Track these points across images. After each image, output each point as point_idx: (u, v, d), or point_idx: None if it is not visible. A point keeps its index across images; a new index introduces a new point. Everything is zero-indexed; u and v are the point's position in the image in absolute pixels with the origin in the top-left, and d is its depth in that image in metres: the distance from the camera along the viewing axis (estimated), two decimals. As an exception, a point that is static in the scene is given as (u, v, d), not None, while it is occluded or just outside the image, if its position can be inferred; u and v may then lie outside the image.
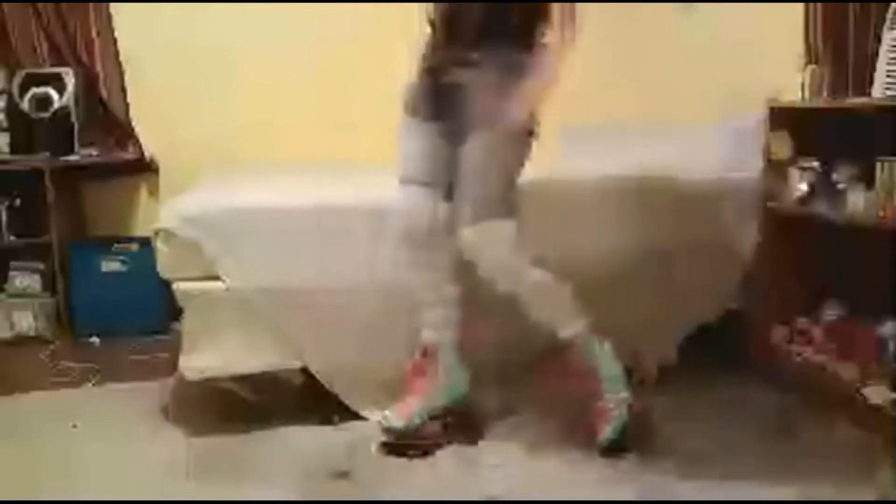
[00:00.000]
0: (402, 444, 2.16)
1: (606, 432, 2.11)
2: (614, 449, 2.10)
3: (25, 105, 3.35)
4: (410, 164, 2.17)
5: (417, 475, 2.06)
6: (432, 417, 2.21)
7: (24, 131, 3.36)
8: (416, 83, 2.20)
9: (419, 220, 2.15)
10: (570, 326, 2.14)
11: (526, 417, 2.34)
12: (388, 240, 2.23)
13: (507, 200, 2.06)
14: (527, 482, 2.01)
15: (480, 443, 2.22)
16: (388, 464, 2.11)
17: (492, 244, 2.05)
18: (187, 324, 2.32)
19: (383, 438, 2.17)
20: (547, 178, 2.46)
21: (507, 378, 2.44)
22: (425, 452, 2.16)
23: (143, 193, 3.73)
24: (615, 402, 2.14)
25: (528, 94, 2.01)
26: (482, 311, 2.25)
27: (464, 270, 2.16)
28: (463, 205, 2.07)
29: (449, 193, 2.14)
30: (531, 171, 2.38)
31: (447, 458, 2.14)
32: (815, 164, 2.49)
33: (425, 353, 2.20)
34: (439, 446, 2.18)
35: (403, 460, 2.13)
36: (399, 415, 2.16)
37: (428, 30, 2.18)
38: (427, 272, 2.19)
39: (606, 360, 2.16)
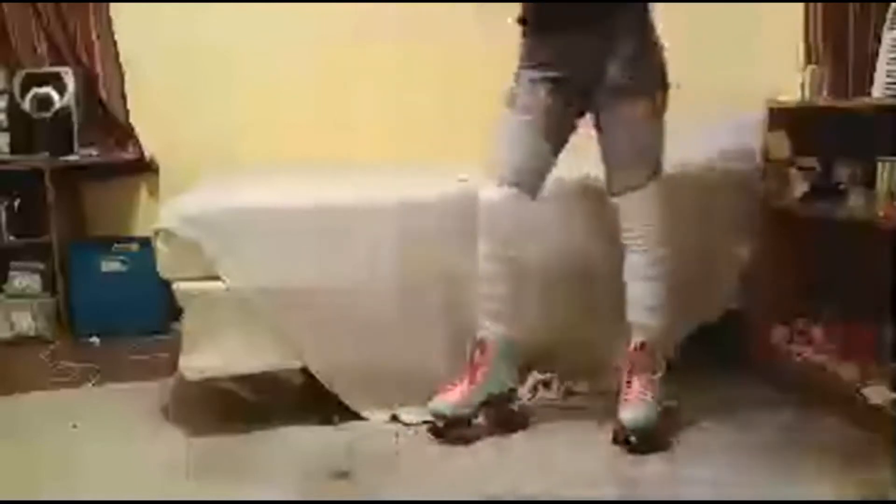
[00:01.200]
0: (447, 430, 2.20)
1: (631, 416, 2.13)
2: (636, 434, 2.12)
3: (26, 105, 3.35)
4: (507, 163, 2.19)
5: (417, 475, 2.06)
6: (477, 408, 2.23)
7: (25, 131, 3.36)
8: (519, 75, 2.22)
9: (506, 218, 2.18)
10: (650, 314, 2.20)
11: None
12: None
13: (660, 162, 2.18)
14: (525, 481, 2.01)
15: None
16: (388, 464, 2.11)
17: (651, 207, 2.17)
18: (187, 324, 2.33)
19: (432, 422, 2.22)
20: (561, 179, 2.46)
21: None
22: (467, 441, 2.19)
23: (143, 193, 3.73)
24: (651, 396, 2.17)
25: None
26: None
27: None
28: (623, 166, 2.17)
29: (536, 191, 2.21)
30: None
31: (461, 456, 2.15)
32: (815, 163, 2.49)
33: (482, 342, 2.21)
34: (479, 436, 2.21)
35: (403, 460, 2.13)
36: (448, 401, 2.18)
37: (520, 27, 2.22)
38: (497, 265, 2.20)
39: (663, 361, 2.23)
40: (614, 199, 2.22)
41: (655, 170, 2.19)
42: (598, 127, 2.21)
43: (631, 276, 2.24)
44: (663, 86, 2.19)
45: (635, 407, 2.14)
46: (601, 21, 2.12)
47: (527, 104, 2.19)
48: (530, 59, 2.21)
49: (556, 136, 2.21)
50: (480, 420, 2.26)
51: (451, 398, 2.19)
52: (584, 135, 2.25)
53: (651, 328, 2.23)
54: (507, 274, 2.20)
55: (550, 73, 2.16)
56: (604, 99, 2.16)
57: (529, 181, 2.19)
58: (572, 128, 2.25)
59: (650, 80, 2.17)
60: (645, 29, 2.18)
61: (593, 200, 2.45)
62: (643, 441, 2.12)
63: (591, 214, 2.47)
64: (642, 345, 2.22)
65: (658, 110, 2.17)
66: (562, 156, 2.27)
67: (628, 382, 2.20)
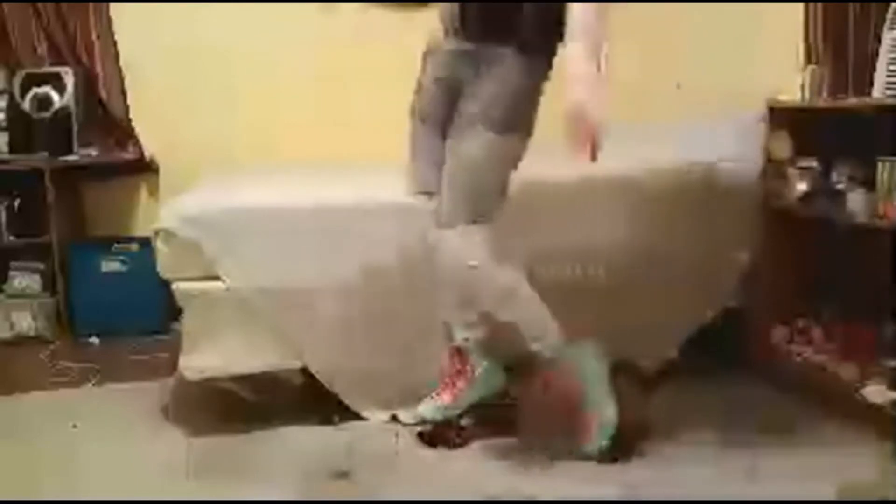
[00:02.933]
0: (435, 437, 2.20)
1: (592, 443, 2.09)
2: (604, 457, 2.08)
3: (26, 105, 3.35)
4: (420, 173, 2.17)
5: (417, 475, 2.06)
6: (466, 412, 2.22)
7: (24, 131, 3.36)
8: (426, 87, 2.16)
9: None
10: (541, 339, 2.10)
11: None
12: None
13: (488, 204, 2.03)
14: (525, 481, 2.01)
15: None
16: (388, 464, 2.11)
17: (460, 250, 2.02)
18: (187, 324, 2.33)
19: (420, 429, 2.21)
20: (546, 179, 2.46)
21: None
22: (456, 445, 2.19)
23: (143, 193, 3.73)
24: (599, 411, 2.10)
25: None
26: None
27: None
28: (445, 199, 2.04)
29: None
30: (531, 172, 2.38)
31: (461, 456, 2.16)
32: (815, 164, 2.49)
33: (458, 351, 2.21)
34: (469, 441, 2.21)
35: (403, 460, 2.13)
36: (435, 407, 2.18)
37: (440, 32, 2.13)
38: (459, 273, 2.17)
39: (588, 367, 2.11)
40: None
41: (478, 209, 2.02)
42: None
43: None
44: (507, 129, 1.99)
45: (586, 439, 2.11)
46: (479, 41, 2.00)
47: (428, 110, 2.14)
48: (434, 65, 2.14)
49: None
50: (472, 425, 2.25)
51: (438, 402, 2.19)
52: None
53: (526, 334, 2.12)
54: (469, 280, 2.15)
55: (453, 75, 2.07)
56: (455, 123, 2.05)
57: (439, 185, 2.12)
58: None
59: (498, 112, 1.98)
60: (512, 59, 1.97)
61: (590, 199, 2.46)
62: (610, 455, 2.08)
63: (588, 214, 2.47)
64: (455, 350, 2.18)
65: (500, 146, 2.00)
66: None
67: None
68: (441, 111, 2.10)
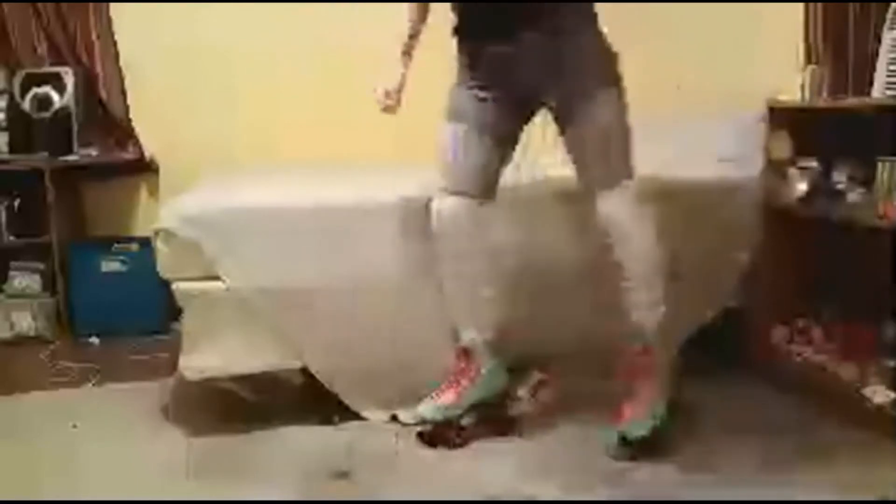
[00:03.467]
0: (436, 437, 2.20)
1: (633, 427, 2.10)
2: (636, 445, 2.09)
3: (26, 105, 3.35)
4: (452, 171, 2.18)
5: (417, 475, 2.06)
6: (466, 412, 2.22)
7: (24, 131, 3.36)
8: (459, 86, 2.19)
9: (461, 229, 2.16)
10: (648, 312, 2.14)
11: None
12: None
13: (629, 160, 2.12)
14: (525, 481, 2.01)
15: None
16: (388, 464, 2.11)
17: (624, 208, 2.10)
18: (187, 324, 2.32)
19: (420, 429, 2.21)
20: (546, 179, 2.46)
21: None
22: (456, 445, 2.19)
23: (143, 193, 3.73)
24: (658, 400, 2.13)
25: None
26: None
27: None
28: (591, 170, 2.11)
29: (487, 197, 2.18)
30: (530, 173, 2.39)
31: (461, 456, 2.16)
32: (815, 164, 2.49)
33: (465, 352, 2.21)
34: (469, 441, 2.21)
35: (403, 460, 2.13)
36: (436, 407, 2.18)
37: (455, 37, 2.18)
38: (466, 276, 2.19)
39: (665, 359, 2.18)
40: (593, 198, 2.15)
41: (627, 167, 2.12)
42: (560, 130, 2.14)
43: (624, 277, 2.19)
44: (617, 81, 2.11)
45: (637, 415, 2.11)
46: (533, 31, 2.03)
47: (464, 112, 2.17)
48: (465, 78, 2.18)
49: (502, 139, 2.18)
50: (473, 425, 2.25)
51: (439, 402, 2.19)
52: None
53: (644, 327, 2.17)
54: (479, 280, 2.19)
55: (485, 94, 2.13)
56: (560, 104, 2.10)
57: (475, 187, 2.16)
58: (521, 128, 2.22)
59: (602, 77, 2.09)
60: (584, 29, 2.09)
61: (574, 200, 2.45)
62: (644, 450, 2.09)
63: (574, 214, 2.47)
64: (643, 349, 2.17)
65: (617, 105, 2.10)
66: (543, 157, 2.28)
67: (630, 388, 2.16)
68: (484, 116, 2.14)
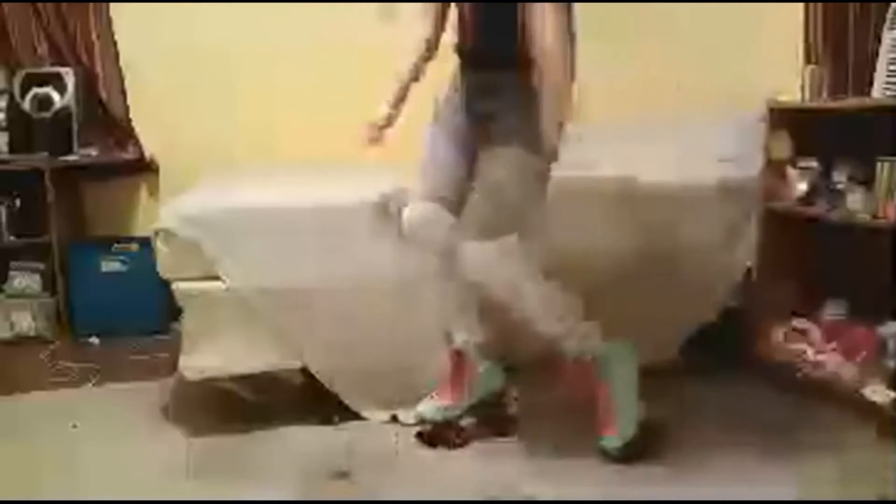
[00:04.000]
0: (435, 437, 2.20)
1: (610, 439, 2.10)
2: (621, 456, 2.08)
3: (27, 105, 3.35)
4: (432, 178, 2.18)
5: (417, 475, 2.06)
6: (466, 412, 2.23)
7: (24, 131, 3.36)
8: (449, 97, 2.20)
9: (436, 232, 2.15)
10: (575, 338, 2.10)
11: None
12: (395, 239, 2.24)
13: (513, 218, 2.05)
14: (525, 481, 2.01)
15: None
16: (388, 464, 2.11)
17: (492, 263, 2.04)
18: (187, 324, 2.33)
19: (419, 429, 2.21)
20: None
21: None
22: (456, 445, 2.19)
23: (143, 193, 3.73)
24: (623, 410, 2.10)
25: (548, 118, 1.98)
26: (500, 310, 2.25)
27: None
28: (470, 221, 2.06)
29: (457, 207, 2.15)
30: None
31: (461, 456, 2.16)
32: (815, 164, 2.49)
33: (458, 354, 2.20)
34: (469, 441, 2.21)
35: (403, 460, 2.13)
36: (435, 407, 2.17)
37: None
38: (453, 279, 2.19)
39: (617, 366, 2.11)
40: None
41: (498, 231, 2.04)
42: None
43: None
44: (532, 149, 2.01)
45: (608, 429, 2.11)
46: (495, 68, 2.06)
47: (449, 123, 2.18)
48: (456, 87, 2.20)
49: (469, 152, 2.16)
50: (472, 425, 2.26)
51: (438, 402, 2.20)
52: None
53: (576, 352, 2.13)
54: (467, 283, 2.16)
55: (469, 107, 2.14)
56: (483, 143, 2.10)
57: (449, 197, 2.15)
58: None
59: (522, 137, 2.01)
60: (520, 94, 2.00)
61: (590, 200, 2.46)
62: (632, 454, 2.08)
63: (587, 214, 2.47)
64: (580, 364, 2.14)
65: (525, 170, 2.03)
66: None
67: (594, 406, 2.14)
68: (457, 128, 2.16)
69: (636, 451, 2.08)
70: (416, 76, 2.27)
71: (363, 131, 2.27)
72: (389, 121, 2.26)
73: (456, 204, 2.14)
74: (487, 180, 2.05)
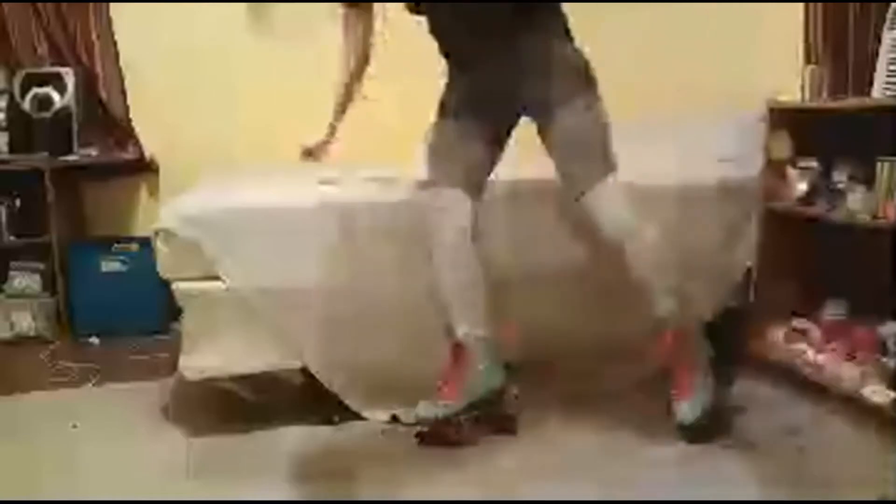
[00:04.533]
0: (434, 436, 2.19)
1: (686, 411, 2.16)
2: (695, 429, 2.15)
3: (26, 105, 3.35)
4: (445, 166, 2.19)
5: (417, 475, 2.06)
6: (465, 411, 2.21)
7: (25, 131, 3.36)
8: (450, 85, 2.24)
9: (457, 220, 2.17)
10: (668, 298, 2.18)
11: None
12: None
13: (609, 157, 2.14)
14: (525, 481, 2.01)
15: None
16: (389, 463, 2.11)
17: (612, 203, 2.12)
18: (187, 324, 2.32)
19: (418, 429, 2.20)
20: (544, 179, 2.45)
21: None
22: (456, 444, 2.19)
23: (143, 193, 3.73)
24: (701, 380, 2.18)
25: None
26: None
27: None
28: (572, 171, 2.13)
29: (478, 194, 2.19)
30: (529, 173, 2.39)
31: (461, 455, 2.15)
32: (815, 164, 2.49)
33: (459, 348, 2.20)
34: (470, 440, 2.21)
35: (403, 460, 2.13)
36: (433, 406, 2.17)
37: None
38: (461, 271, 2.19)
39: (701, 342, 2.23)
40: (579, 202, 2.17)
41: (608, 163, 2.15)
42: (541, 136, 2.19)
43: (631, 268, 2.21)
44: (588, 83, 2.15)
45: (685, 400, 2.18)
46: (501, 52, 2.11)
47: (454, 110, 2.23)
48: (452, 77, 2.25)
49: (488, 140, 2.22)
50: (472, 423, 2.25)
51: (437, 401, 2.19)
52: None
53: (670, 313, 2.20)
54: (474, 276, 2.19)
55: (470, 104, 2.19)
56: (536, 112, 2.16)
57: (468, 184, 2.19)
58: (506, 130, 2.27)
59: (572, 83, 2.13)
60: (548, 42, 2.13)
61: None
62: (702, 433, 2.15)
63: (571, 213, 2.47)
64: (673, 334, 2.20)
65: (591, 106, 2.14)
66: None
67: (673, 376, 2.22)
68: (471, 116, 2.19)
69: (710, 427, 2.16)
70: (350, 97, 2.34)
71: (302, 152, 2.33)
72: (329, 134, 2.32)
73: (474, 192, 2.19)
74: (571, 132, 2.11)
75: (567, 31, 2.18)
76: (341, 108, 2.33)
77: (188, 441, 2.27)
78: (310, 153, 2.33)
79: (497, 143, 2.25)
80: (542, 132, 2.17)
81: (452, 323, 2.19)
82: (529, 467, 2.08)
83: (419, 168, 2.28)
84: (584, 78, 2.15)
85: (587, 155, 2.13)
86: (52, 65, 3.46)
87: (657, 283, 2.19)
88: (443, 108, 2.27)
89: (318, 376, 2.35)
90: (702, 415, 2.16)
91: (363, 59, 2.31)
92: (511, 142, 2.30)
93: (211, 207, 2.35)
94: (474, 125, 2.20)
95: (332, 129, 2.33)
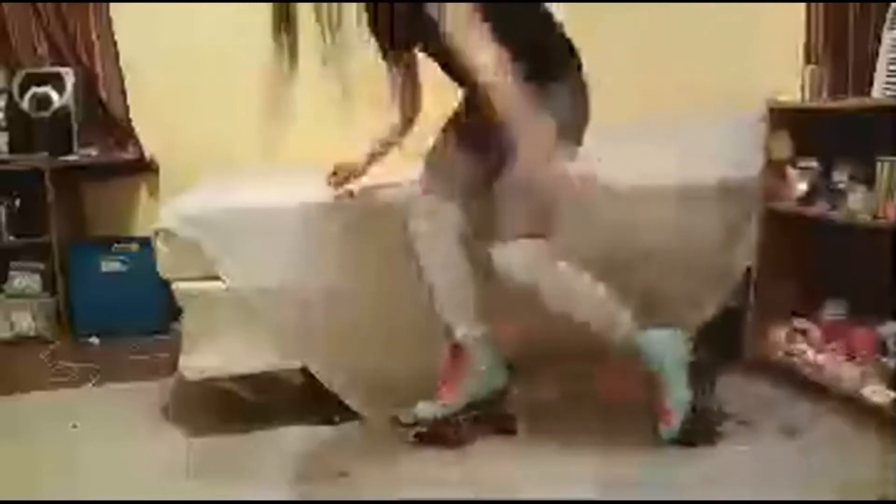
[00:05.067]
0: (433, 436, 2.19)
1: (672, 427, 2.13)
2: (682, 441, 2.13)
3: (26, 105, 3.35)
4: (442, 178, 2.19)
5: (417, 475, 2.06)
6: (465, 411, 2.21)
7: (24, 131, 3.36)
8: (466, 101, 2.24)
9: (445, 221, 2.16)
10: (618, 329, 2.13)
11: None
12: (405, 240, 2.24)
13: (539, 216, 2.06)
14: (524, 481, 2.01)
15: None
16: (389, 463, 2.11)
17: (521, 264, 2.04)
18: (187, 324, 2.32)
19: (417, 429, 2.20)
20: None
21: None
22: (455, 445, 2.18)
23: (143, 193, 3.73)
24: (676, 402, 2.13)
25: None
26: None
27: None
28: (499, 223, 2.07)
29: (471, 199, 2.18)
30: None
31: (459, 455, 2.15)
32: (815, 164, 2.49)
33: (457, 349, 2.20)
34: (470, 440, 2.20)
35: (403, 460, 2.13)
36: (433, 406, 2.17)
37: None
38: (453, 271, 2.19)
39: (667, 353, 2.14)
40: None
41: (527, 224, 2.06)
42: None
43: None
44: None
45: (664, 422, 2.15)
46: None
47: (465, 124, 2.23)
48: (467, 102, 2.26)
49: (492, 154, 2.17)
50: (471, 424, 2.25)
51: (437, 401, 2.19)
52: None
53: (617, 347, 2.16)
54: (465, 277, 2.18)
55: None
56: None
57: (462, 196, 2.18)
58: None
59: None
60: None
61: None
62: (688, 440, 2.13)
63: (586, 214, 2.47)
64: (622, 364, 2.19)
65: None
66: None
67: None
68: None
69: (694, 434, 2.12)
70: (387, 151, 2.37)
71: (332, 175, 2.38)
72: (358, 173, 2.36)
73: (469, 198, 2.18)
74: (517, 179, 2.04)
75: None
76: (373, 160, 2.39)
77: (188, 441, 2.27)
78: (350, 194, 2.38)
79: (501, 155, 2.22)
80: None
81: (450, 324, 2.19)
82: (529, 467, 2.08)
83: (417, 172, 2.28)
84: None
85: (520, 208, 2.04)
86: (52, 65, 3.46)
87: (603, 327, 2.12)
88: (453, 119, 2.26)
89: (318, 376, 2.35)
90: (681, 431, 2.11)
91: (410, 116, 2.34)
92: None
93: (211, 207, 2.35)
94: (480, 139, 2.17)
95: (363, 172, 2.38)
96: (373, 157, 2.38)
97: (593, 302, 2.12)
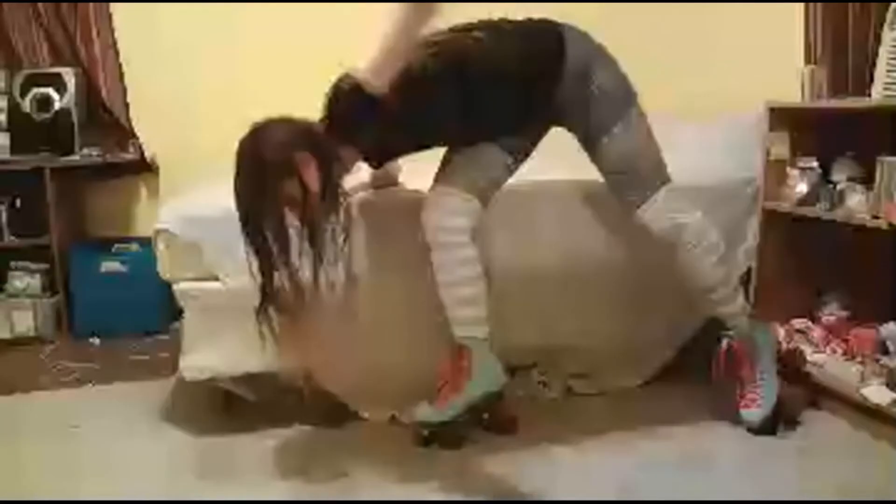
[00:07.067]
0: (434, 436, 2.19)
1: (755, 413, 2.22)
2: (762, 428, 2.22)
3: (27, 105, 3.35)
4: (462, 175, 2.17)
5: (417, 475, 2.06)
6: (468, 411, 2.21)
7: (25, 131, 3.36)
8: None
9: (462, 219, 2.14)
10: (735, 301, 2.25)
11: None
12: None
13: (658, 170, 2.17)
14: (525, 481, 2.01)
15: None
16: (389, 463, 2.11)
17: (660, 215, 2.15)
18: (187, 324, 2.32)
19: (420, 431, 2.20)
20: (544, 182, 2.46)
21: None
22: (457, 445, 2.19)
23: (143, 193, 3.74)
24: (766, 392, 2.24)
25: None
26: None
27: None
28: (625, 196, 2.17)
29: (487, 201, 2.19)
30: (529, 176, 2.38)
31: (459, 455, 2.16)
32: (815, 164, 2.49)
33: (459, 349, 2.20)
34: (470, 440, 2.21)
35: (403, 460, 2.13)
36: (434, 408, 2.17)
37: None
38: (462, 269, 2.18)
39: (763, 343, 2.27)
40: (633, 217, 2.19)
41: (659, 177, 2.17)
42: (590, 156, 2.20)
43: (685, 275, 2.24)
44: (625, 102, 2.15)
45: (750, 405, 2.25)
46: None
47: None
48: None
49: (515, 153, 2.22)
50: (472, 424, 2.25)
51: (438, 402, 2.19)
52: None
53: (733, 320, 2.26)
54: (478, 275, 2.17)
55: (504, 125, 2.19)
56: (581, 144, 2.18)
57: (481, 195, 2.16)
58: (534, 145, 2.26)
59: (608, 111, 2.12)
60: (581, 84, 2.10)
61: (589, 202, 2.46)
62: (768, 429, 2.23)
63: (587, 215, 2.47)
64: (736, 345, 2.27)
65: (630, 126, 2.14)
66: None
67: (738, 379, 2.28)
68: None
69: (774, 424, 2.22)
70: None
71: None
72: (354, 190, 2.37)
73: (486, 199, 2.18)
74: (620, 154, 2.13)
75: (595, 50, 2.16)
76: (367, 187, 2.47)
77: (188, 441, 2.27)
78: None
79: (519, 158, 2.24)
80: (590, 158, 2.19)
81: (453, 323, 2.19)
82: (530, 467, 2.08)
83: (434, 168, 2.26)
84: (620, 99, 2.14)
85: (635, 179, 2.15)
86: (53, 65, 3.46)
87: (719, 288, 2.22)
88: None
89: (317, 376, 2.35)
90: (765, 418, 2.22)
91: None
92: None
93: (211, 208, 2.34)
94: (503, 141, 2.18)
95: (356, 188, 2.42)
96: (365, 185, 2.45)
97: (727, 274, 2.26)
